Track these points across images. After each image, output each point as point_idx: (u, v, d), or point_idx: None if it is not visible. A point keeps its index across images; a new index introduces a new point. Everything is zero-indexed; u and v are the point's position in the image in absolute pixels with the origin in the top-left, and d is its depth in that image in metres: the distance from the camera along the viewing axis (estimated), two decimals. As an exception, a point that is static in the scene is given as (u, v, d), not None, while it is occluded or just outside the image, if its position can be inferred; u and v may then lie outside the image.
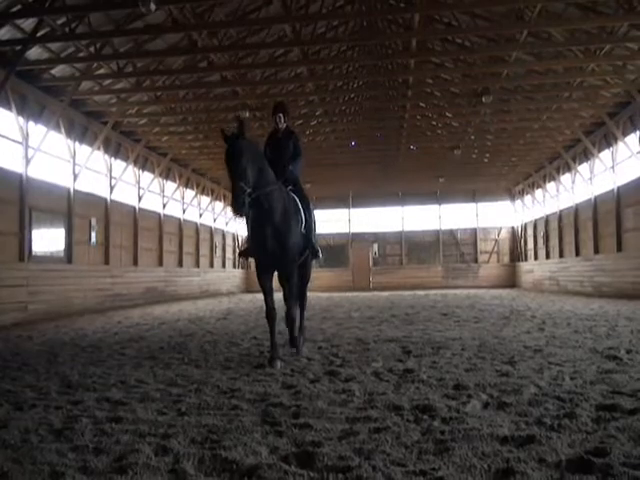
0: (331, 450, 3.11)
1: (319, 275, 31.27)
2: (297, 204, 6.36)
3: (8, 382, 5.39)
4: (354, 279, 31.49)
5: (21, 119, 13.70)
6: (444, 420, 3.68)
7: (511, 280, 31.05)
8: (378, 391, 4.58)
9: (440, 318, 11.43)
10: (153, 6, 9.85)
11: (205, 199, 27.43)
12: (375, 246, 32.14)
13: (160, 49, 13.80)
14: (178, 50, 13.96)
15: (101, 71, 14.47)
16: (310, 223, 6.49)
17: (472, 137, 21.01)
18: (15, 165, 13.51)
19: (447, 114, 19.68)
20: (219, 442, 3.32)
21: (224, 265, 29.63)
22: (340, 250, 32.02)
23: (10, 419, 3.95)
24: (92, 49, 13.21)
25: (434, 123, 20.85)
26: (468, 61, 15.84)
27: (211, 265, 27.60)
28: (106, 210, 17.93)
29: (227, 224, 30.28)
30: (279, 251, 6.03)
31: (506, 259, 31.88)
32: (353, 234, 32.16)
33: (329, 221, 32.11)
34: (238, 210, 5.50)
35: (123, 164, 19.15)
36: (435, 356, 6.37)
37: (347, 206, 32.36)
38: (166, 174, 22.88)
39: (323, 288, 29.67)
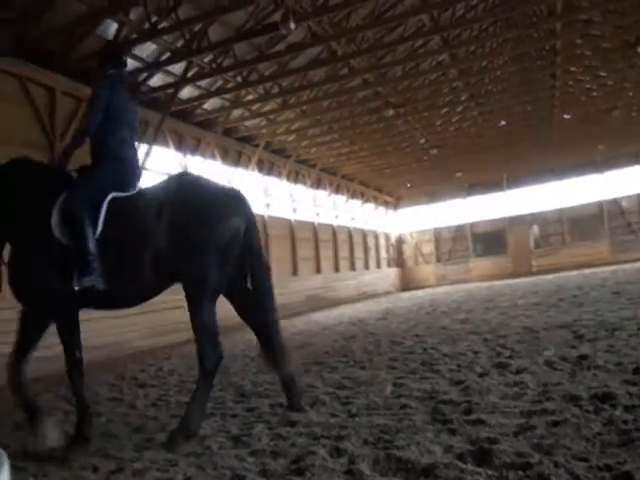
0: (508, 446, 3.00)
1: (476, 265, 30.37)
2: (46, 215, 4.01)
3: (186, 395, 5.77)
4: (514, 264, 29.91)
5: (179, 154, 15.01)
6: (626, 409, 3.39)
7: (688, 245, 27.39)
8: (552, 381, 4.33)
9: (611, 297, 10.47)
10: (293, 25, 10.23)
11: (356, 203, 27.93)
12: (535, 227, 30.29)
13: (302, 65, 14.16)
14: (319, 62, 14.20)
15: (249, 97, 15.25)
16: (78, 228, 3.95)
17: (630, 94, 19.02)
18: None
19: (601, 73, 18.02)
20: (392, 442, 3.33)
21: (379, 265, 29.84)
22: (497, 236, 30.62)
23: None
24: (239, 78, 13.98)
25: (588, 86, 19.20)
26: (618, 11, 14.36)
27: (366, 267, 27.94)
28: (264, 226, 18.93)
29: (379, 224, 30.54)
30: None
31: (679, 221, 28.22)
32: (510, 218, 30.59)
33: (484, 207, 30.95)
34: None
35: (276, 180, 20.19)
36: (610, 339, 5.86)
37: (501, 189, 30.86)
38: (317, 184, 23.68)
39: (482, 277, 28.62)
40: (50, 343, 9.29)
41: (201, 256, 4.07)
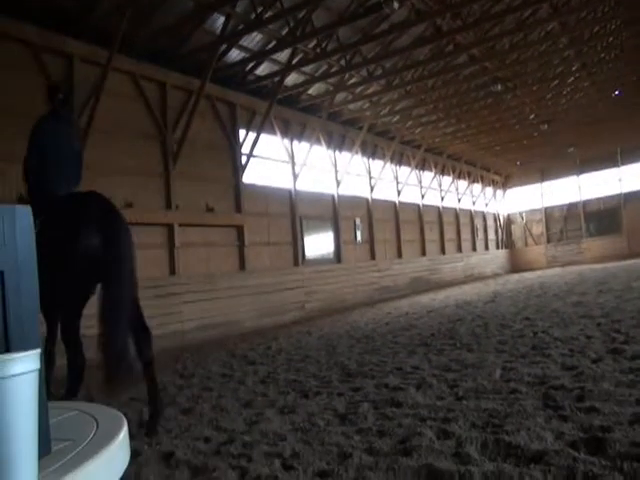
0: (622, 436, 2.90)
1: (589, 245, 28.72)
2: None
3: (293, 373, 6.04)
4: (630, 244, 27.79)
5: (286, 141, 15.40)
6: None
7: None
8: (672, 369, 4.09)
9: None
10: (396, 4, 10.14)
11: (462, 183, 27.26)
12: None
13: (406, 45, 13.98)
14: (423, 40, 13.94)
15: (353, 80, 15.32)
16: None
17: None
18: (285, 182, 15.21)
19: None
20: (501, 426, 3.31)
21: (487, 247, 29.00)
22: (612, 215, 28.61)
23: (298, 405, 4.46)
24: (342, 62, 14.07)
25: None
26: None
27: (473, 248, 27.26)
28: (368, 209, 19.03)
29: (487, 205, 29.61)
30: None
31: None
32: (625, 194, 28.40)
33: (597, 184, 29.01)
34: None
35: (380, 162, 20.12)
36: None
37: (616, 164, 28.72)
38: (422, 165, 23.37)
39: (596, 259, 27.11)
40: (162, 322, 10.07)
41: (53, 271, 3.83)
